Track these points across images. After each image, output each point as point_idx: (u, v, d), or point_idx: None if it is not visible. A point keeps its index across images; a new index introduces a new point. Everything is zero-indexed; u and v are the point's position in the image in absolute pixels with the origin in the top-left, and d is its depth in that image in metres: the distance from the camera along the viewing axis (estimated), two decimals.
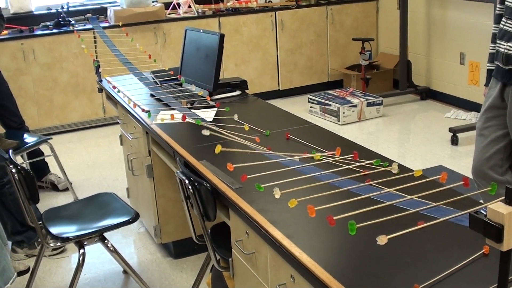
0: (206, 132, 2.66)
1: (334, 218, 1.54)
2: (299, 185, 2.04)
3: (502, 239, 1.19)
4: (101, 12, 6.85)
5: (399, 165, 2.33)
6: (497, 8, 3.34)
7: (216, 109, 3.38)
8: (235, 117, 3.20)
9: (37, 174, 4.82)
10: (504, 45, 3.15)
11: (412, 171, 2.17)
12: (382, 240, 1.46)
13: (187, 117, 3.16)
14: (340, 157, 2.47)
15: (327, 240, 1.88)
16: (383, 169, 2.33)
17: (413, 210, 1.67)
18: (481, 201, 2.44)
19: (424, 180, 1.97)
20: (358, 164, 2.39)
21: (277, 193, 1.81)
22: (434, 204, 1.80)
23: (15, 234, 3.82)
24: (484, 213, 1.22)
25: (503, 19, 3.19)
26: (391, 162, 2.41)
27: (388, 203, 1.73)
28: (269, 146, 2.68)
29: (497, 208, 1.19)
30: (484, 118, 3.38)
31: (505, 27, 3.16)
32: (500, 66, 3.21)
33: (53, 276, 3.71)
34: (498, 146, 3.31)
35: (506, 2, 3.18)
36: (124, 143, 4.20)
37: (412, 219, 1.73)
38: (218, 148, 2.37)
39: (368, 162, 2.39)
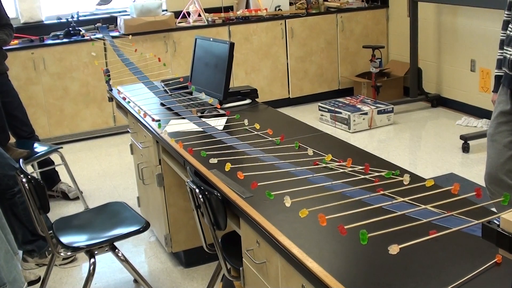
0: (214, 160, 2.65)
1: (345, 227, 1.53)
2: (310, 194, 2.04)
3: None
4: (111, 21, 6.87)
5: (411, 174, 2.32)
6: (505, 15, 3.32)
7: (226, 117, 3.38)
8: (245, 122, 3.21)
9: (48, 183, 4.84)
10: (510, 51, 3.13)
11: (424, 179, 2.15)
12: (394, 249, 1.45)
13: (197, 126, 3.16)
14: (351, 167, 2.46)
15: (338, 249, 1.87)
16: (394, 180, 2.32)
17: (425, 220, 1.66)
18: (493, 209, 2.42)
19: (436, 191, 1.95)
20: (369, 175, 2.37)
21: (288, 201, 1.80)
22: (446, 214, 1.78)
23: (26, 244, 3.83)
24: (497, 223, 1.21)
25: (510, 26, 3.18)
26: (402, 170, 2.40)
27: (399, 212, 1.72)
28: (282, 134, 2.68)
29: (510, 218, 1.18)
30: (495, 124, 3.36)
31: (511, 33, 3.14)
32: (507, 72, 3.19)
33: (63, 285, 3.71)
34: (511, 151, 3.29)
35: None
36: (134, 152, 4.20)
37: (424, 229, 1.72)
38: (228, 166, 2.38)
39: (379, 174, 2.38)
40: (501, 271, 1.66)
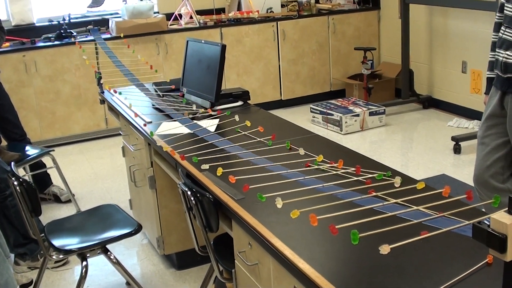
0: (205, 166, 2.65)
1: (336, 227, 1.53)
2: (301, 196, 2.04)
3: (506, 249, 1.19)
4: (103, 23, 6.86)
5: (402, 176, 2.33)
6: (496, 17, 3.34)
7: (218, 120, 3.38)
8: (236, 117, 3.19)
9: (40, 186, 4.82)
10: (502, 53, 3.15)
11: (415, 181, 2.16)
12: (384, 249, 1.45)
13: (189, 129, 3.16)
14: (343, 169, 2.47)
15: (330, 250, 1.87)
16: (386, 182, 2.33)
17: (416, 221, 1.67)
18: (483, 210, 2.43)
19: (427, 193, 1.96)
20: (361, 176, 2.38)
21: (279, 203, 1.80)
22: (437, 215, 1.79)
23: (18, 247, 3.82)
24: (488, 223, 1.21)
25: (502, 28, 3.19)
26: (394, 171, 2.41)
27: (391, 213, 1.72)
28: (274, 133, 2.68)
29: (500, 218, 1.18)
30: (484, 127, 3.37)
31: (504, 35, 3.16)
32: (499, 74, 3.21)
33: None
34: (499, 154, 3.30)
35: (505, 11, 3.18)
36: (126, 155, 4.20)
37: (415, 229, 1.73)
38: (220, 171, 2.38)
39: (371, 176, 2.38)
40: (492, 271, 1.67)
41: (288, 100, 7.39)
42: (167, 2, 7.09)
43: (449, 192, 1.80)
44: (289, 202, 1.91)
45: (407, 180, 2.32)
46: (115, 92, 3.31)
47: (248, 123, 3.14)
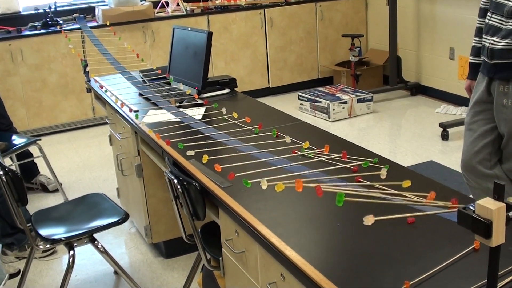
0: (191, 152, 2.63)
1: (322, 188, 1.52)
2: (288, 184, 2.03)
3: (491, 235, 1.18)
4: (89, 11, 6.82)
5: (390, 162, 2.32)
6: (482, 2, 3.33)
7: (205, 107, 3.37)
8: (223, 110, 3.18)
9: (27, 175, 4.80)
10: (489, 39, 3.14)
11: (403, 167, 2.16)
12: (368, 220, 1.44)
13: (175, 116, 3.14)
14: (329, 156, 2.46)
15: (317, 238, 1.87)
16: (374, 173, 2.33)
17: (401, 203, 1.67)
18: (471, 196, 2.44)
19: (414, 194, 1.96)
20: (348, 163, 2.38)
21: (264, 184, 1.79)
22: (423, 202, 1.79)
23: (5, 237, 3.80)
24: (473, 208, 1.21)
25: (488, 14, 3.19)
26: (381, 158, 2.40)
27: (376, 201, 1.72)
28: (260, 123, 2.68)
29: (485, 204, 1.18)
30: (472, 113, 3.37)
31: (490, 21, 3.15)
32: (486, 60, 3.20)
33: (43, 278, 3.69)
34: (486, 140, 3.30)
35: None
36: (113, 143, 4.18)
37: (402, 211, 1.73)
38: (205, 158, 2.37)
39: (357, 163, 2.38)
40: (479, 257, 1.67)
41: (276, 88, 7.38)
42: None
43: (434, 197, 1.80)
44: (274, 184, 1.90)
45: (394, 166, 2.32)
46: (131, 110, 3.29)
47: (235, 115, 3.13)
